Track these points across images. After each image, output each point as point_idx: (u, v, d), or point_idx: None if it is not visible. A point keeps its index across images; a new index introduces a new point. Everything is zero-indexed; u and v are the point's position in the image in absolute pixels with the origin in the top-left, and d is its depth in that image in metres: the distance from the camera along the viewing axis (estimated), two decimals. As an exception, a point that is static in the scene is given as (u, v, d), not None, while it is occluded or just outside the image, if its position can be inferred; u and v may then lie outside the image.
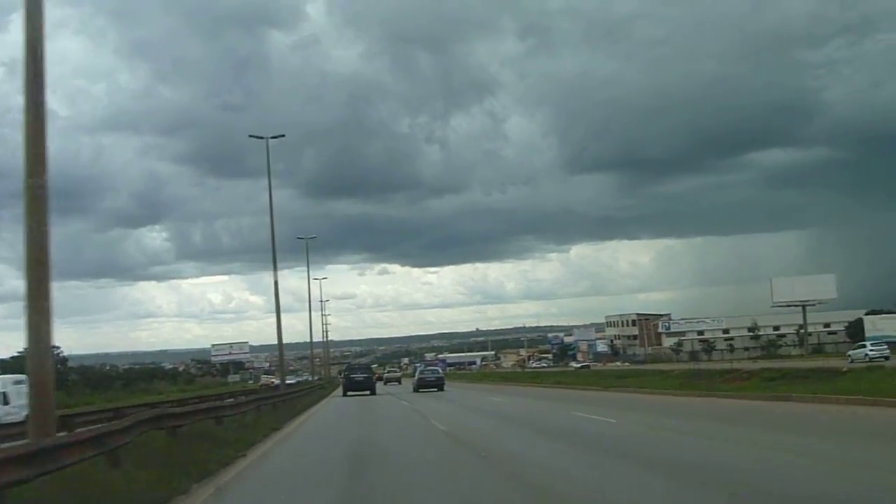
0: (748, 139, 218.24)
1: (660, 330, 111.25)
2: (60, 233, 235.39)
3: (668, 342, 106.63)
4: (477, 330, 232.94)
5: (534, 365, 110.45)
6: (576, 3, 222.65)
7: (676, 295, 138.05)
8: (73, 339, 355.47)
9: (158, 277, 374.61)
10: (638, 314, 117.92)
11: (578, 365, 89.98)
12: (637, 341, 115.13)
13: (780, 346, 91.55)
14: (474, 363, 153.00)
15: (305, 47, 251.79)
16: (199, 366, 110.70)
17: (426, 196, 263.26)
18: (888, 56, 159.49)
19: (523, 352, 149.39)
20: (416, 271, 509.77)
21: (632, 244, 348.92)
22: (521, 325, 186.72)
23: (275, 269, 33.15)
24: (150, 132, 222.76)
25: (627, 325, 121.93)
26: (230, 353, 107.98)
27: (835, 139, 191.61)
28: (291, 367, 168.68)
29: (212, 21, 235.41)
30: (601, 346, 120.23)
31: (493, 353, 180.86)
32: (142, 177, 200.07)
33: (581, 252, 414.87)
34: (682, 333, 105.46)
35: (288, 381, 73.62)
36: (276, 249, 33.44)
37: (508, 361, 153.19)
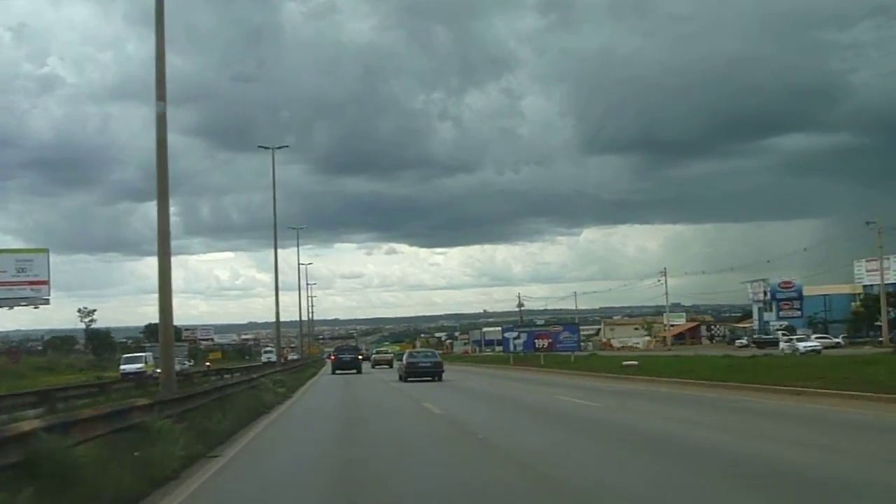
0: (770, 122, 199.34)
1: None
2: (68, 205, 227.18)
3: None
4: (484, 311, 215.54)
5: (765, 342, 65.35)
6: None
7: (684, 281, 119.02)
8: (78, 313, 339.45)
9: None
10: None
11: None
12: None
13: None
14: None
15: (319, 17, 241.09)
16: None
17: (437, 174, 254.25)
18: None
19: (664, 321, 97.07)
20: (424, 252, 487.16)
21: (642, 228, 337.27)
22: (529, 308, 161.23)
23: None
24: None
25: None
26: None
27: (860, 124, 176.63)
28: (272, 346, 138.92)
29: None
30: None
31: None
32: (150, 148, 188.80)
33: (591, 236, 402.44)
34: None
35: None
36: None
37: (618, 336, 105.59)
